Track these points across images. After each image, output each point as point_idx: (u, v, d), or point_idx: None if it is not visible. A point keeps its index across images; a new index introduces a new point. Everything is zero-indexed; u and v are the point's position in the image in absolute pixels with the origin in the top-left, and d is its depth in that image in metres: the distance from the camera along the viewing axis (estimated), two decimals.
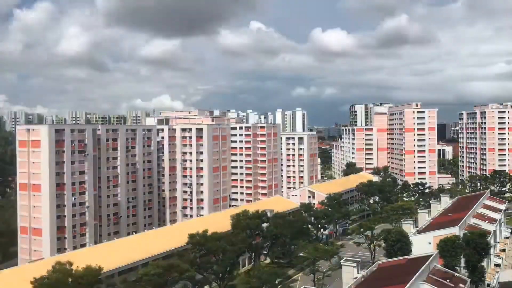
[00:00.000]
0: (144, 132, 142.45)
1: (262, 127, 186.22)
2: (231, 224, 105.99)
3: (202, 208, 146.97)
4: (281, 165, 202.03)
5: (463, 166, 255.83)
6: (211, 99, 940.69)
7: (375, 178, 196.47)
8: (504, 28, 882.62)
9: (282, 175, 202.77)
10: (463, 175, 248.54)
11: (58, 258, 79.60)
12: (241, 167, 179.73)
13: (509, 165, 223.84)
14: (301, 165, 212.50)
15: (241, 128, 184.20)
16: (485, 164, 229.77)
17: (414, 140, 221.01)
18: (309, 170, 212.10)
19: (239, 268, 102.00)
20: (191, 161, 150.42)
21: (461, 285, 58.75)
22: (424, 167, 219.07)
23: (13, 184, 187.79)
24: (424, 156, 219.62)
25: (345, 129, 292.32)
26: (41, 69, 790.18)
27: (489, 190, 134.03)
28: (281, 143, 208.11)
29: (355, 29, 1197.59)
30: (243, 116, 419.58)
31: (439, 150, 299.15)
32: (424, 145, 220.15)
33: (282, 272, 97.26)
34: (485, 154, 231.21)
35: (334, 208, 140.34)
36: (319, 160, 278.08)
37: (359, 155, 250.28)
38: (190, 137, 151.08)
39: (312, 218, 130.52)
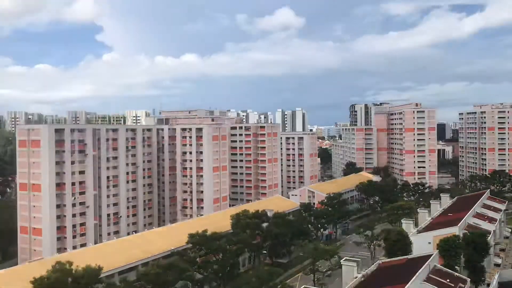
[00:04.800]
0: (144, 132, 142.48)
1: (262, 127, 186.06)
2: (231, 224, 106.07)
3: (202, 208, 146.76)
4: (281, 165, 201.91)
5: (463, 166, 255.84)
6: None
7: (375, 178, 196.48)
8: None
9: (282, 175, 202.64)
10: (463, 175, 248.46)
11: (58, 258, 79.72)
12: (241, 167, 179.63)
13: (509, 165, 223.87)
14: (301, 165, 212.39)
15: (241, 128, 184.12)
16: (485, 164, 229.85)
17: (414, 140, 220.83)
18: (309, 170, 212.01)
19: (239, 268, 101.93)
20: (191, 161, 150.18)
21: (461, 285, 58.74)
22: (424, 167, 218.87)
23: (13, 184, 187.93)
24: (424, 156, 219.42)
25: (345, 129, 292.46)
26: None
27: (489, 190, 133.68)
28: (281, 143, 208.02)
29: None
30: (243, 116, 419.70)
31: (439, 150, 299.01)
32: (424, 145, 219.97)
33: (282, 272, 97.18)
34: (485, 154, 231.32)
35: (334, 208, 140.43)
36: (319, 160, 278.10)
37: (359, 155, 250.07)
38: (190, 137, 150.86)
39: (312, 218, 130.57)
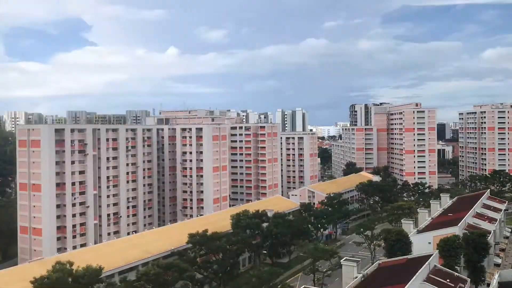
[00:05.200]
0: (144, 132, 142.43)
1: (262, 127, 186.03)
2: (231, 224, 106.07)
3: (202, 208, 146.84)
4: (281, 165, 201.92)
5: (463, 166, 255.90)
6: None
7: (375, 178, 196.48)
8: None
9: (282, 175, 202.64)
10: (463, 175, 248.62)
11: (58, 257, 79.77)
12: (241, 167, 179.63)
13: (509, 165, 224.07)
14: (301, 165, 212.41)
15: (241, 128, 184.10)
16: (485, 164, 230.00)
17: (414, 140, 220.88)
18: (309, 170, 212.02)
19: (239, 268, 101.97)
20: (191, 161, 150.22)
21: (461, 285, 58.79)
22: (424, 167, 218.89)
23: (13, 184, 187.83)
24: (424, 156, 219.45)
25: (345, 129, 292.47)
26: None
27: (489, 190, 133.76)
28: (281, 143, 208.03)
29: None
30: (243, 115, 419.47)
31: (439, 150, 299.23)
32: (424, 145, 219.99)
33: (282, 272, 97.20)
34: (485, 154, 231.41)
35: (334, 208, 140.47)
36: (319, 160, 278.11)
37: (359, 155, 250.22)
38: (190, 137, 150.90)
39: (312, 218, 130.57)
